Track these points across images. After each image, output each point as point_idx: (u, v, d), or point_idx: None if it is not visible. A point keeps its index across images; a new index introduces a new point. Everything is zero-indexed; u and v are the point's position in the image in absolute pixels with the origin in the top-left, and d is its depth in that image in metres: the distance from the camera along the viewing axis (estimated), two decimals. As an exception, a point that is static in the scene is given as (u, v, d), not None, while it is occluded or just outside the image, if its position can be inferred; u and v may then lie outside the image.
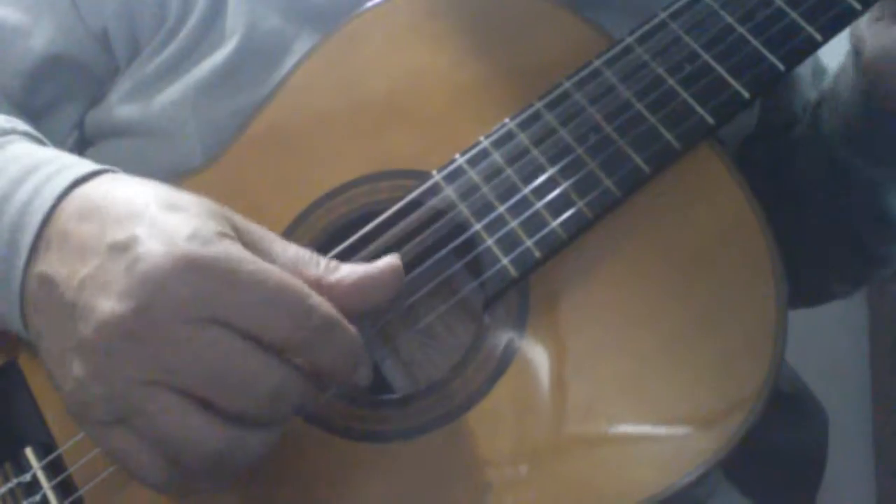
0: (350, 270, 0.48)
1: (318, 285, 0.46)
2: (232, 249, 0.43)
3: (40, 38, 0.63)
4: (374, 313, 0.52)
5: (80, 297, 0.43)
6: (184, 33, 0.63)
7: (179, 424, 0.42)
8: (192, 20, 0.63)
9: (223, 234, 0.44)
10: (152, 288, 0.41)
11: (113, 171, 0.51)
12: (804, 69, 0.75)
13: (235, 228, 0.46)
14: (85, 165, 0.50)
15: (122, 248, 0.43)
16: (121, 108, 0.64)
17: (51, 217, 0.48)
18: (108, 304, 0.42)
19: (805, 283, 0.73)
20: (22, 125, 0.57)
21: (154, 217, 0.44)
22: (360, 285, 0.48)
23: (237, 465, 0.44)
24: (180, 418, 0.41)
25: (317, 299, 0.44)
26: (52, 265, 0.46)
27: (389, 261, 0.49)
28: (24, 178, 0.50)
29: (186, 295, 0.41)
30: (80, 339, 0.43)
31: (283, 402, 0.43)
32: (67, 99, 0.66)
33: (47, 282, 0.46)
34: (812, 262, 0.73)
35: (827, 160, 0.67)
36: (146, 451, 0.43)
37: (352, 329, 0.45)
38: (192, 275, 0.42)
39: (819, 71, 0.77)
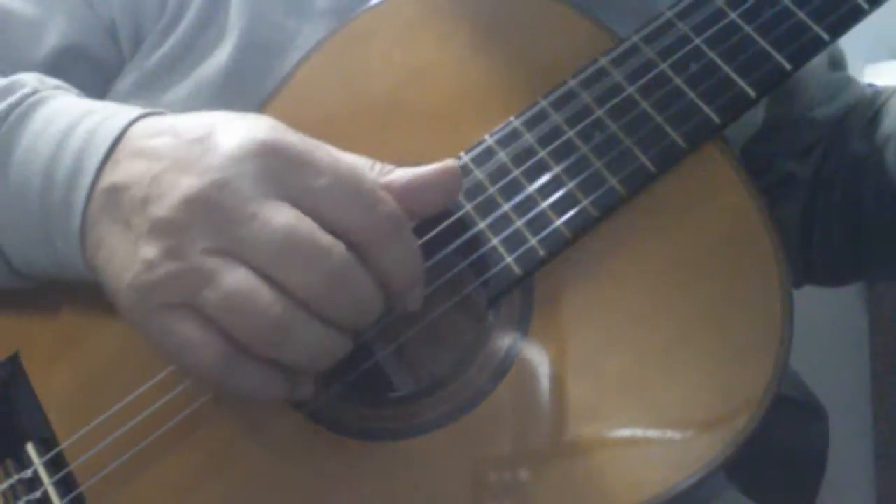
0: (405, 172, 0.48)
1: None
2: (308, 139, 0.45)
3: (54, 31, 0.63)
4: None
5: (155, 187, 0.44)
6: (183, 25, 0.63)
7: (242, 291, 0.42)
8: (192, 12, 0.63)
9: (296, 131, 0.45)
10: (231, 164, 0.43)
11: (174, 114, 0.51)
12: (817, 60, 0.75)
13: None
14: (147, 108, 0.51)
15: (198, 140, 0.45)
16: (127, 104, 0.64)
17: (121, 138, 0.48)
18: (186, 182, 0.43)
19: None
20: (74, 89, 0.57)
21: (228, 119, 0.46)
22: (413, 186, 0.48)
23: (293, 352, 0.44)
24: (244, 285, 0.42)
25: (385, 195, 0.45)
26: (124, 174, 0.46)
27: (445, 163, 0.49)
28: (89, 113, 0.50)
29: (264, 172, 0.43)
30: (154, 219, 0.43)
31: (347, 288, 0.44)
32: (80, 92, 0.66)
33: (118, 188, 0.46)
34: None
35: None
36: (206, 331, 0.43)
37: (415, 239, 0.46)
38: (271, 155, 0.43)
39: (837, 60, 0.77)
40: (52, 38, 0.63)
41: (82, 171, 0.48)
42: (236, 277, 0.42)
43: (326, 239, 0.43)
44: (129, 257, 0.44)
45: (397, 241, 0.45)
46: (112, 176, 0.47)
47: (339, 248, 0.43)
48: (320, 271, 0.43)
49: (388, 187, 0.47)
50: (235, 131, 0.44)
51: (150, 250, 0.43)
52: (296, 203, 0.43)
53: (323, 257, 0.43)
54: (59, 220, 0.49)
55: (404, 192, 0.48)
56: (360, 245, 0.44)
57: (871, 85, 0.79)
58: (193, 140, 0.45)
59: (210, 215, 0.42)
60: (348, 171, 0.44)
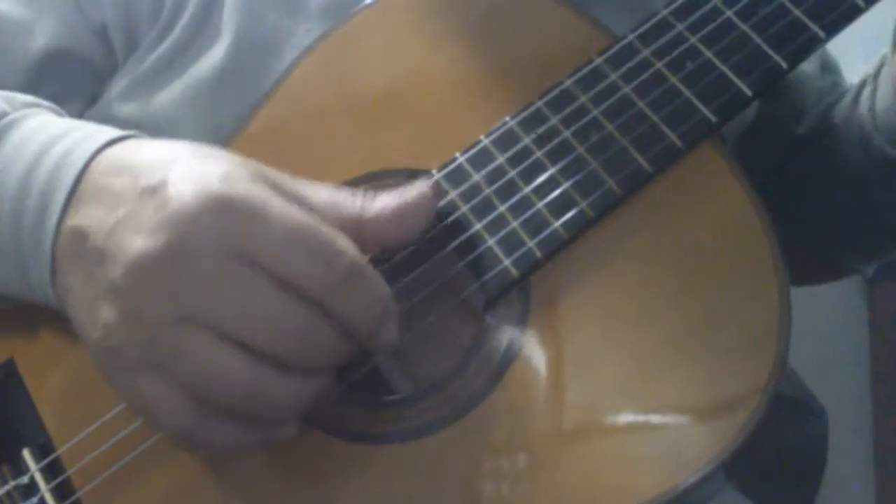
0: (387, 202, 0.48)
1: (360, 220, 0.47)
2: (262, 191, 0.43)
3: (43, 34, 0.63)
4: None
5: (111, 241, 0.43)
6: (179, 28, 0.63)
7: (210, 361, 0.42)
8: (187, 15, 0.63)
9: (254, 178, 0.44)
10: (182, 225, 0.42)
11: (141, 135, 0.51)
12: (810, 63, 0.75)
13: (264, 176, 0.46)
14: (114, 130, 0.51)
15: (152, 190, 0.43)
16: (119, 106, 0.64)
17: (83, 176, 0.48)
18: (137, 243, 0.42)
19: (828, 260, 0.75)
20: (46, 102, 0.57)
21: (186, 162, 0.44)
22: (399, 213, 0.48)
23: (267, 410, 0.43)
24: (211, 354, 0.41)
25: (345, 243, 0.44)
26: (84, 217, 0.46)
27: (421, 185, 0.50)
28: (55, 142, 0.50)
29: (216, 232, 0.42)
30: (109, 281, 0.42)
31: (312, 346, 0.43)
32: (68, 96, 0.65)
33: (78, 233, 0.46)
34: (838, 238, 0.74)
35: (860, 140, 0.67)
36: (175, 396, 0.42)
37: (382, 281, 0.45)
38: (221, 213, 0.42)
39: (828, 65, 0.77)
40: (41, 40, 0.63)
41: (48, 210, 0.48)
42: (202, 350, 0.41)
43: (285, 300, 0.42)
44: (91, 315, 0.44)
45: (358, 288, 0.44)
46: (75, 218, 0.47)
47: (298, 308, 0.42)
48: (284, 333, 0.42)
49: (378, 219, 0.47)
50: (187, 184, 0.43)
51: (108, 313, 0.43)
52: (250, 260, 0.42)
53: (284, 320, 0.42)
54: (31, 258, 0.49)
55: (393, 221, 0.48)
56: (319, 297, 0.43)
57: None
58: (147, 190, 0.43)
59: (165, 281, 0.41)
60: (302, 223, 0.43)
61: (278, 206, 0.43)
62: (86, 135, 0.50)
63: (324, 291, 0.43)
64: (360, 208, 0.48)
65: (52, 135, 0.51)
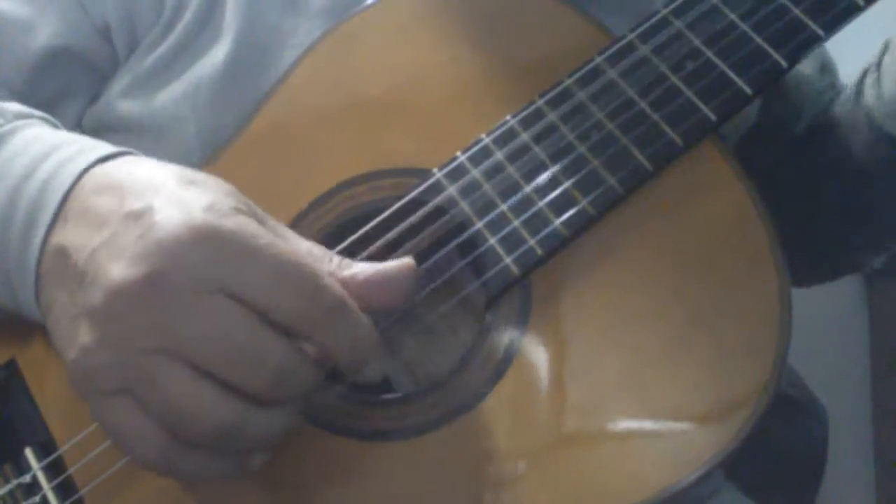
0: (363, 268, 0.47)
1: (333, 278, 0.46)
2: (247, 224, 0.43)
3: (44, 31, 0.63)
4: (384, 314, 0.51)
5: (92, 264, 0.43)
6: (180, 27, 0.63)
7: (184, 393, 0.41)
8: (189, 14, 0.63)
9: (239, 210, 0.44)
10: (165, 255, 0.41)
11: (133, 153, 0.51)
12: (809, 64, 0.75)
13: (250, 208, 0.46)
14: (105, 147, 0.50)
15: (137, 216, 0.43)
16: (121, 103, 0.64)
17: (70, 194, 0.48)
18: (119, 269, 0.41)
19: (833, 256, 0.75)
20: (38, 112, 0.57)
21: (172, 190, 0.44)
22: (373, 282, 0.47)
23: (239, 443, 0.43)
24: (185, 387, 0.41)
25: (329, 280, 0.44)
26: (68, 236, 0.46)
27: (404, 261, 0.48)
28: (45, 157, 0.50)
29: (199, 264, 0.41)
30: (89, 305, 0.42)
31: (288, 382, 0.43)
32: (71, 94, 0.66)
33: (61, 252, 0.46)
34: (843, 233, 0.73)
35: (867, 129, 0.66)
36: (147, 424, 0.42)
37: (365, 319, 0.45)
38: (206, 244, 0.41)
39: (827, 65, 0.77)
40: (43, 38, 0.63)
41: (35, 227, 0.48)
42: (176, 380, 0.41)
43: (266, 337, 0.42)
44: (69, 335, 0.43)
45: (341, 325, 0.44)
46: (60, 236, 0.47)
47: (278, 344, 0.42)
48: (262, 370, 0.42)
49: (349, 282, 0.47)
50: (173, 212, 0.42)
51: (85, 335, 0.42)
52: (234, 293, 0.41)
53: (263, 356, 0.42)
54: (16, 273, 0.49)
55: (364, 288, 0.47)
56: (301, 332, 0.43)
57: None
58: (132, 214, 0.43)
59: (144, 310, 0.41)
60: (287, 258, 0.43)
61: (264, 238, 0.43)
62: (78, 150, 0.50)
63: (307, 326, 0.43)
64: (335, 267, 0.47)
65: (43, 149, 0.50)
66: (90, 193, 0.47)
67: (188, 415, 0.41)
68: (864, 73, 0.66)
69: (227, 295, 0.41)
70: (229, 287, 0.41)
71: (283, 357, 0.42)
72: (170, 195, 0.44)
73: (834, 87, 0.76)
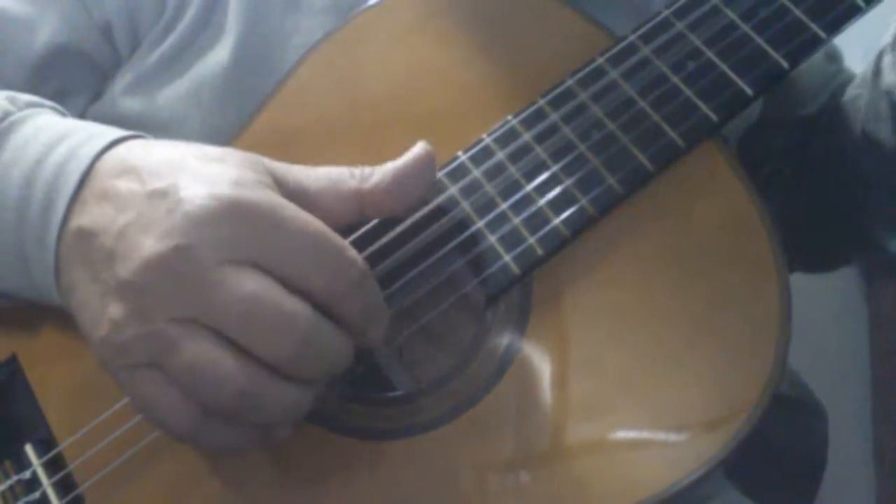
0: (384, 172, 0.49)
1: (359, 195, 0.48)
2: (274, 197, 0.44)
3: (45, 30, 0.63)
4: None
5: (121, 242, 0.43)
6: (182, 25, 0.63)
7: (206, 360, 0.42)
8: (191, 12, 0.63)
9: (263, 184, 0.45)
10: (194, 228, 0.42)
11: (145, 136, 0.51)
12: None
13: (271, 174, 0.46)
14: (117, 131, 0.51)
15: (162, 193, 0.44)
16: (123, 101, 0.64)
17: (87, 177, 0.48)
18: (148, 244, 0.42)
19: (856, 234, 0.75)
20: (48, 102, 0.57)
21: (195, 167, 0.45)
22: (398, 182, 0.49)
23: (261, 414, 0.44)
24: (208, 354, 0.42)
25: (353, 252, 0.45)
26: (91, 218, 0.46)
27: (419, 148, 0.50)
28: (58, 142, 0.50)
29: (228, 237, 0.42)
30: (119, 280, 0.43)
31: (314, 351, 0.43)
32: (72, 92, 0.66)
33: (86, 234, 0.46)
34: (869, 208, 0.73)
35: (888, 109, 0.66)
36: (174, 394, 0.43)
37: (377, 286, 0.46)
38: (234, 218, 0.42)
39: (833, 54, 0.77)
40: (45, 36, 0.63)
41: (52, 209, 0.48)
42: (200, 347, 0.42)
43: (292, 305, 0.42)
44: (98, 312, 0.44)
45: (363, 294, 0.45)
46: (80, 218, 0.47)
47: (305, 312, 0.43)
48: (287, 338, 0.42)
49: (376, 190, 0.48)
50: (199, 188, 0.43)
51: (116, 310, 0.43)
52: (259, 264, 0.42)
53: (289, 325, 0.42)
54: (34, 256, 0.49)
55: (392, 190, 0.48)
56: (327, 302, 0.44)
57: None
58: (157, 193, 0.44)
59: (174, 282, 0.42)
60: (313, 230, 0.44)
61: (290, 212, 0.44)
62: (90, 135, 0.50)
63: (333, 295, 0.44)
64: (358, 182, 0.48)
65: (56, 134, 0.51)
66: (107, 176, 0.47)
67: (210, 381, 0.42)
68: (880, 56, 0.65)
69: (253, 267, 0.42)
70: (256, 259, 0.42)
71: (308, 326, 0.43)
72: (194, 172, 0.44)
73: (842, 72, 0.76)
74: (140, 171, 0.46)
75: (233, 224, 0.42)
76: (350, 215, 0.48)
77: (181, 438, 0.45)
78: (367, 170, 0.49)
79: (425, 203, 0.54)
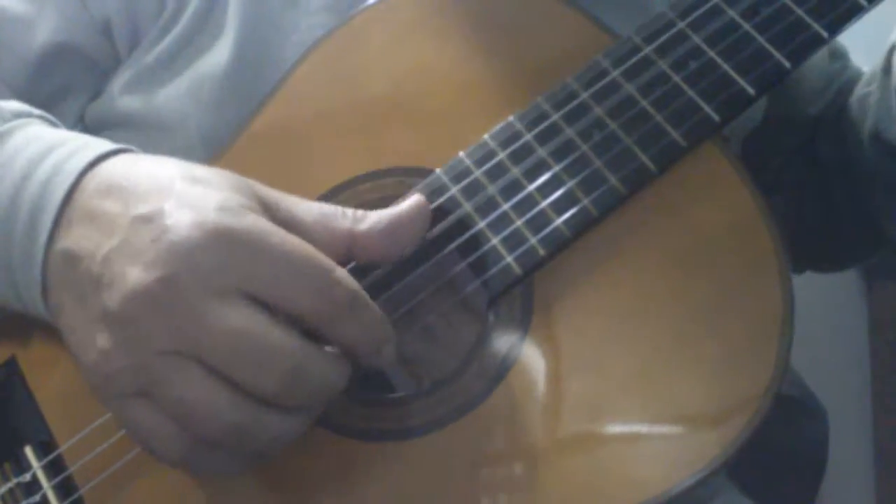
0: (378, 217, 0.49)
1: (351, 236, 0.48)
2: (258, 222, 0.43)
3: (45, 28, 0.63)
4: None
5: (106, 269, 0.43)
6: (182, 24, 0.63)
7: (196, 394, 0.42)
8: (190, 10, 0.63)
9: (249, 208, 0.44)
10: (180, 258, 0.42)
11: (132, 150, 0.51)
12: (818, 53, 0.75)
13: (259, 199, 0.46)
14: (104, 144, 0.50)
15: (147, 219, 0.43)
16: (122, 99, 0.64)
17: (72, 195, 0.48)
18: (134, 274, 0.42)
19: (872, 231, 0.74)
20: (37, 110, 0.57)
21: (180, 190, 0.44)
22: (392, 230, 0.49)
23: (254, 444, 0.43)
24: (198, 388, 0.42)
25: (342, 273, 0.44)
26: (76, 241, 0.46)
27: (414, 199, 0.50)
28: (43, 157, 0.50)
29: (214, 266, 0.42)
30: (105, 310, 0.43)
31: (303, 383, 0.43)
32: (71, 90, 0.66)
33: (71, 257, 0.46)
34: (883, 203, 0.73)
35: None
36: (166, 424, 0.43)
37: (376, 307, 0.46)
38: (219, 246, 0.42)
39: (836, 51, 0.77)
40: (43, 35, 0.63)
41: (38, 229, 0.48)
42: (189, 381, 0.42)
43: (278, 337, 0.42)
44: (86, 339, 0.44)
45: (356, 317, 0.45)
46: (66, 240, 0.46)
47: (291, 344, 0.42)
48: (274, 372, 0.42)
49: (369, 234, 0.48)
50: (184, 215, 0.43)
51: (103, 340, 0.43)
52: (247, 291, 0.42)
53: (275, 358, 0.42)
54: (21, 273, 0.49)
55: (385, 237, 0.48)
56: (318, 325, 0.44)
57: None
58: (141, 219, 0.43)
59: (160, 315, 0.42)
60: (300, 254, 0.43)
61: (276, 237, 0.43)
62: (76, 147, 0.50)
63: (323, 320, 0.44)
64: (351, 223, 0.48)
65: (40, 149, 0.50)
66: (92, 196, 0.47)
67: (201, 415, 0.42)
68: (891, 52, 0.65)
69: (241, 296, 0.42)
70: (242, 286, 0.42)
71: (296, 358, 0.42)
72: (179, 196, 0.44)
73: (847, 69, 0.76)
74: (125, 192, 0.45)
75: (218, 252, 0.42)
76: (337, 254, 0.47)
77: (174, 465, 0.45)
78: (360, 212, 0.49)
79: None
